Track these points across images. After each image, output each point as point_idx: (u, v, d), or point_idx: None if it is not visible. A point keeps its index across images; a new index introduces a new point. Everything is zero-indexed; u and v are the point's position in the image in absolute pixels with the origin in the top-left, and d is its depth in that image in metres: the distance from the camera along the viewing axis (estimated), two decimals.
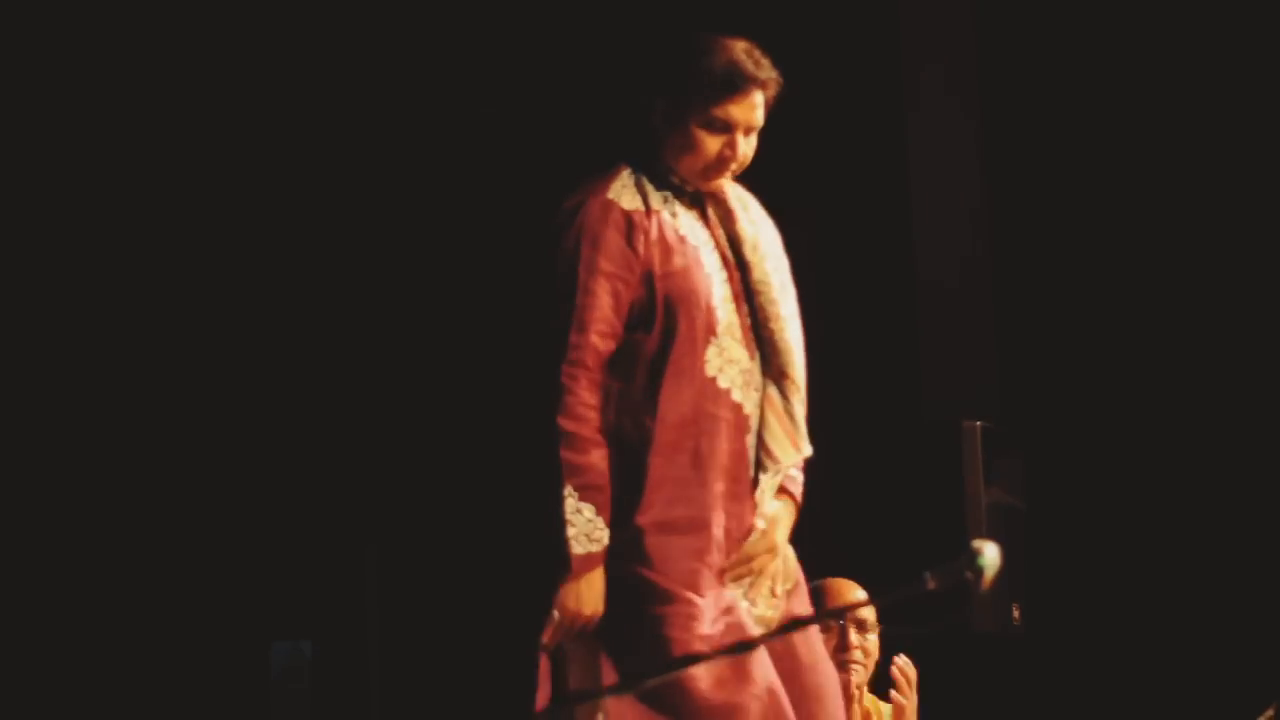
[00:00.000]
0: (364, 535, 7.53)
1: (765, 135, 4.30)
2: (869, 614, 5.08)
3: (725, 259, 4.30)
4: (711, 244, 4.30)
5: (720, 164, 4.30)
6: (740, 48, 4.28)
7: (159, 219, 7.42)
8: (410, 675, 7.46)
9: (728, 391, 4.21)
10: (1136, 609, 6.84)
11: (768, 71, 4.27)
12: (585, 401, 4.13)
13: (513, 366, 4.48)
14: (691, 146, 4.28)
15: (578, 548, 4.07)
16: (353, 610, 7.51)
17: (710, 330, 4.21)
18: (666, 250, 4.23)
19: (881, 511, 6.73)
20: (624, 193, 4.26)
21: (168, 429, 7.42)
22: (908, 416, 6.93)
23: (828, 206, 7.10)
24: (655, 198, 4.28)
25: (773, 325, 4.28)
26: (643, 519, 4.12)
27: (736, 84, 4.26)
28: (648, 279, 4.20)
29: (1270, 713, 4.35)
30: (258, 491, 7.45)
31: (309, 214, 7.47)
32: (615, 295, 4.17)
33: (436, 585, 7.46)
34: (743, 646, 4.00)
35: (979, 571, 3.66)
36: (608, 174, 4.32)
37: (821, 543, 4.48)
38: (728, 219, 4.35)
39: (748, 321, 4.27)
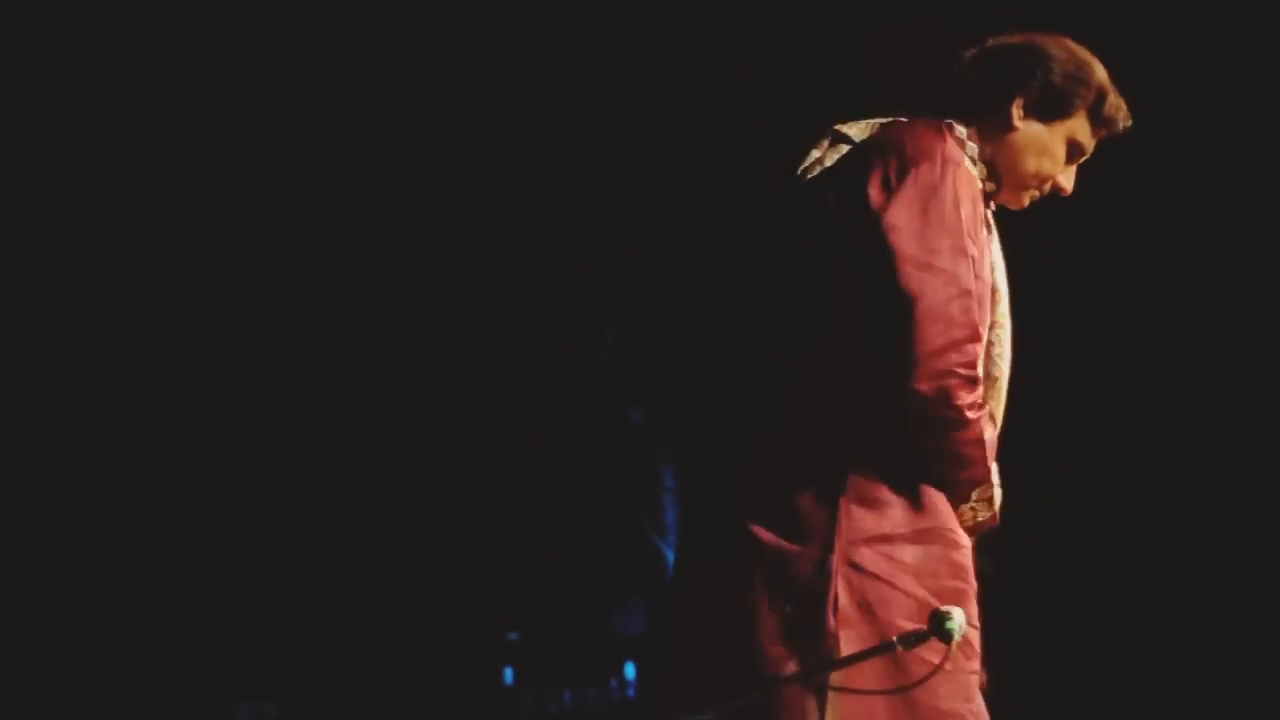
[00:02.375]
0: (328, 598, 7.52)
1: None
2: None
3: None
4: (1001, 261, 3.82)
5: (1046, 184, 3.91)
6: (1119, 95, 3.90)
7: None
8: None
9: None
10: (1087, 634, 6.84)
11: (1130, 121, 3.92)
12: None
13: None
14: (1042, 152, 3.87)
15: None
16: (315, 671, 7.49)
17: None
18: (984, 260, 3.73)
19: None
20: (973, 171, 3.76)
21: (129, 475, 7.39)
22: None
23: None
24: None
25: (1001, 364, 3.82)
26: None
27: (1115, 123, 3.91)
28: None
29: None
30: (221, 552, 7.43)
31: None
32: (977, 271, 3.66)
33: (399, 644, 7.46)
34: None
35: (947, 636, 3.64)
36: (936, 126, 3.75)
37: None
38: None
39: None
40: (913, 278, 3.62)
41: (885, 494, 3.69)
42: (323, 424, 7.58)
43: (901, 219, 3.64)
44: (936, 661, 3.59)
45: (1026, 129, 3.87)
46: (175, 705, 7.37)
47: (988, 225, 3.79)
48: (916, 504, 3.69)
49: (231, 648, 7.45)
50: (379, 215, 7.59)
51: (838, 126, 3.88)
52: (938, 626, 3.64)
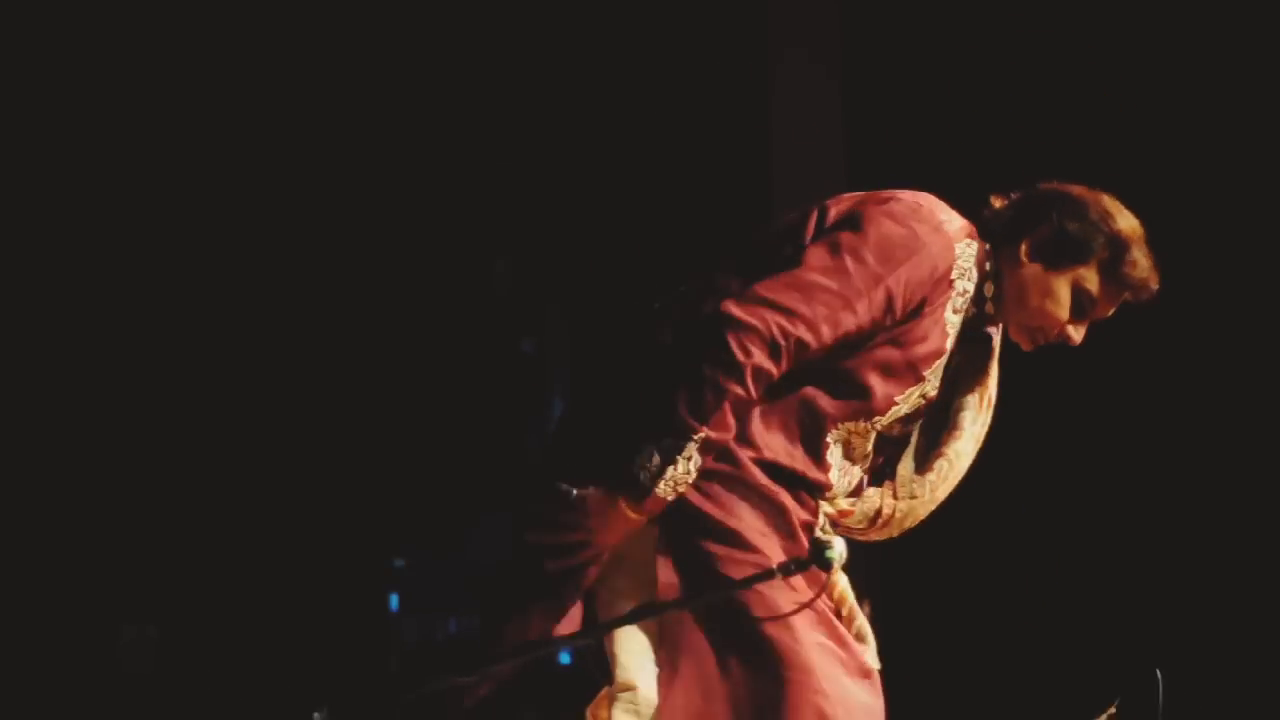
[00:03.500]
0: (213, 521, 7.50)
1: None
2: None
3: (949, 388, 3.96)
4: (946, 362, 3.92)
5: (1051, 336, 3.98)
6: (1147, 252, 3.94)
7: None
8: (257, 657, 7.43)
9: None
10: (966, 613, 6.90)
11: (1157, 285, 3.95)
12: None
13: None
14: (1044, 295, 3.93)
15: None
16: (198, 594, 7.47)
17: (875, 413, 3.88)
18: (925, 331, 3.86)
19: None
20: (965, 270, 3.87)
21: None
22: None
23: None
24: (964, 297, 3.89)
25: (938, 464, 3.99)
26: None
27: (1136, 289, 3.95)
28: (888, 331, 3.83)
29: (1111, 711, 4.39)
30: (102, 473, 7.39)
31: None
32: (872, 312, 3.79)
33: (283, 569, 7.45)
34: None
35: (827, 564, 3.69)
36: (960, 220, 3.90)
37: None
38: (984, 369, 4.01)
39: (919, 441, 3.98)
40: (814, 254, 3.76)
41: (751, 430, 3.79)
42: (208, 343, 7.55)
43: (849, 226, 3.80)
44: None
45: (1032, 269, 3.93)
46: (60, 629, 7.34)
47: (976, 326, 3.91)
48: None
49: (115, 571, 7.42)
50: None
51: None
52: (818, 555, 3.69)
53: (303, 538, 7.52)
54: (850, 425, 3.87)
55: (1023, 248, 3.94)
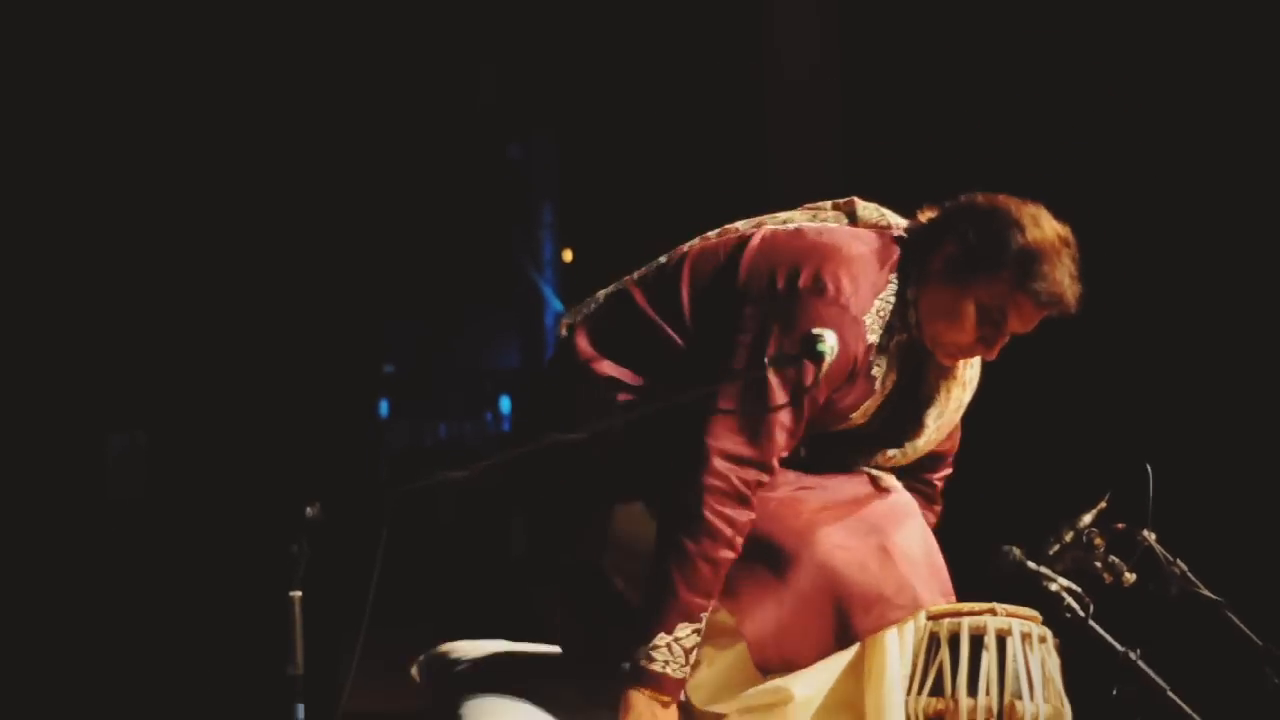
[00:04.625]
0: (201, 326, 7.49)
1: None
2: None
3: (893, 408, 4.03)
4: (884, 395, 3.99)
5: (965, 352, 3.96)
6: (1069, 267, 3.86)
7: None
8: (247, 465, 7.45)
9: None
10: None
11: (1074, 300, 3.87)
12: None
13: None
14: (953, 318, 3.90)
15: None
16: (187, 399, 7.48)
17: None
18: (846, 387, 3.93)
19: None
20: (876, 320, 3.89)
21: None
22: None
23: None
24: (883, 332, 3.92)
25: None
26: None
27: (1047, 303, 3.87)
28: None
29: (1102, 505, 4.40)
30: (91, 279, 7.38)
31: None
32: (808, 414, 3.89)
33: (273, 373, 7.46)
34: None
35: (818, 357, 3.67)
36: (872, 274, 3.92)
37: None
38: (931, 378, 4.05)
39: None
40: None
41: None
42: (200, 148, 7.51)
43: (766, 324, 3.84)
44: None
45: (941, 286, 3.89)
46: (49, 437, 7.35)
47: (896, 355, 3.92)
48: None
49: (104, 377, 7.42)
50: None
51: (855, 199, 4.09)
52: (809, 348, 3.68)
53: (294, 343, 7.51)
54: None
55: (935, 264, 3.90)
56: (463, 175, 8.94)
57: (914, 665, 3.93)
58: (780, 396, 3.81)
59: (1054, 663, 4.03)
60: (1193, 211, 6.71)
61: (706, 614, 3.82)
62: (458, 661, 4.19)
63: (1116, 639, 4.27)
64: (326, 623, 3.85)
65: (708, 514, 3.80)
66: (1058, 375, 6.66)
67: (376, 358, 8.54)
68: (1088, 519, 4.35)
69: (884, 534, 3.93)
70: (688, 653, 3.81)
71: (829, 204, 4.13)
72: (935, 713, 3.96)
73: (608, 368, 3.98)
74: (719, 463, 3.81)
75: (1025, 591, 4.22)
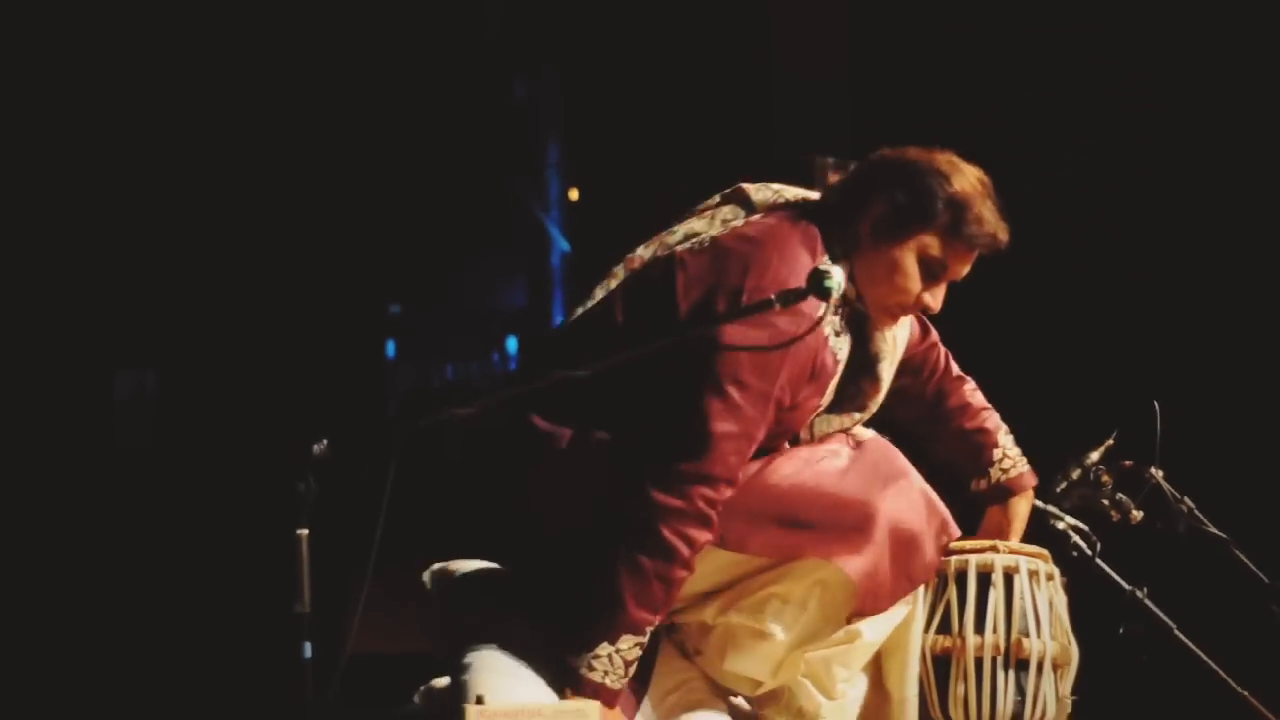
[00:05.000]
0: (210, 264, 7.49)
1: None
2: None
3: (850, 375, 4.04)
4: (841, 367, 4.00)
5: (911, 308, 3.98)
6: (991, 205, 3.90)
7: None
8: (255, 405, 7.47)
9: None
10: None
11: (1006, 237, 3.93)
12: None
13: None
14: (894, 278, 3.93)
15: None
16: (196, 338, 7.49)
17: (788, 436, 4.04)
18: (809, 387, 3.95)
19: None
20: (828, 309, 3.82)
21: None
22: None
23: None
24: (834, 319, 3.94)
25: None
26: None
27: (984, 245, 3.92)
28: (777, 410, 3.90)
29: (1109, 442, 4.40)
30: (97, 217, 7.38)
31: None
32: (768, 423, 3.90)
33: (280, 312, 7.47)
34: None
35: (826, 293, 3.67)
36: (809, 237, 3.92)
37: None
38: (875, 336, 4.07)
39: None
40: (704, 401, 3.80)
41: None
42: (208, 92, 7.50)
43: (715, 347, 3.80)
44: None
45: (876, 248, 3.91)
46: (57, 375, 7.35)
47: (846, 328, 3.94)
48: None
49: (112, 315, 7.42)
50: None
51: (743, 186, 4.06)
52: (816, 284, 3.68)
53: (301, 283, 7.51)
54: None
55: (863, 229, 3.92)
56: (468, 113, 8.91)
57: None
58: (746, 412, 3.81)
59: (1061, 600, 4.05)
60: (1199, 170, 6.71)
61: (652, 628, 3.83)
62: (463, 580, 4.23)
63: (1124, 576, 4.28)
64: (333, 561, 3.84)
65: (667, 533, 3.79)
66: (1065, 314, 6.66)
67: (383, 299, 8.53)
68: (1095, 456, 4.36)
69: (906, 475, 3.98)
70: (628, 665, 3.82)
71: (717, 198, 4.11)
72: (943, 650, 3.98)
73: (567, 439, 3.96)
74: (680, 483, 3.80)
75: (1033, 529, 4.24)
